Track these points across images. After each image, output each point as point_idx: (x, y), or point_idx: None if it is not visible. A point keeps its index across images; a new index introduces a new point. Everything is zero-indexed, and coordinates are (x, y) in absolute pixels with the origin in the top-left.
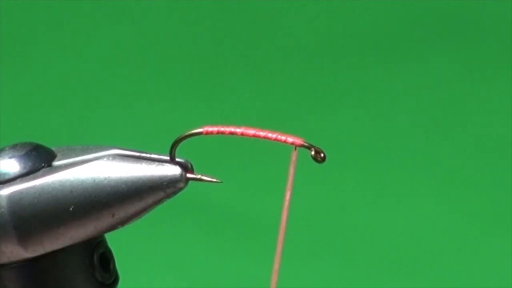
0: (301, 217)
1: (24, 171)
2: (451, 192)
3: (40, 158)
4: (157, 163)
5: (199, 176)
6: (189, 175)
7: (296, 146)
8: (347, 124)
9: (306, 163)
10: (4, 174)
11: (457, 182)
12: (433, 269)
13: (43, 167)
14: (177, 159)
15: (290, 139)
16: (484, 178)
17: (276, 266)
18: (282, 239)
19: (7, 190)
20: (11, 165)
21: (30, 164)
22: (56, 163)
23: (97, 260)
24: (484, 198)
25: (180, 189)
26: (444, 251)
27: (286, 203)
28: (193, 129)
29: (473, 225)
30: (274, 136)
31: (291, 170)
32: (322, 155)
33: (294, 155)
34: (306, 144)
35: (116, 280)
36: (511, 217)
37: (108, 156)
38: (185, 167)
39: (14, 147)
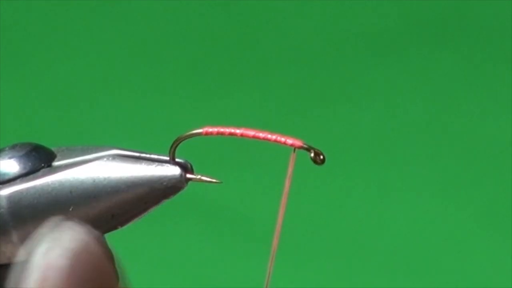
0: (301, 217)
1: (24, 171)
2: (451, 191)
3: (40, 158)
4: (156, 163)
5: (198, 177)
6: (188, 176)
7: (296, 148)
8: (347, 124)
9: (306, 163)
10: (4, 174)
11: (457, 181)
12: (434, 269)
13: (43, 167)
14: (176, 160)
15: (289, 141)
16: (484, 178)
17: (270, 267)
18: (277, 240)
19: (7, 191)
20: (11, 165)
21: (30, 164)
22: (56, 163)
23: None
24: (485, 197)
25: (180, 189)
26: (445, 251)
27: (283, 205)
28: (192, 130)
29: (474, 225)
30: (273, 137)
31: (289, 172)
32: (321, 157)
33: (292, 157)
34: (305, 146)
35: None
36: (511, 217)
37: (108, 156)
38: (185, 168)
39: (13, 147)
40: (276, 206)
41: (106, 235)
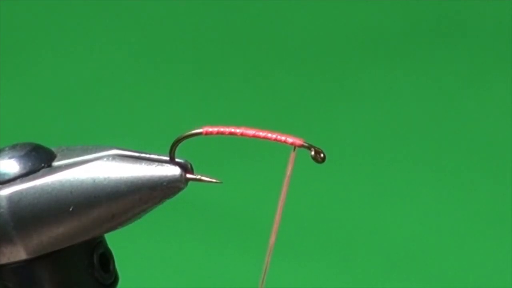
0: (301, 216)
1: (24, 171)
2: (451, 191)
3: (40, 158)
4: (156, 163)
5: (198, 177)
6: (188, 176)
7: (296, 146)
8: (348, 122)
9: (306, 162)
10: (4, 174)
11: (457, 181)
12: (433, 269)
13: (43, 167)
14: (176, 160)
15: (290, 139)
16: (484, 178)
17: (266, 266)
18: (274, 239)
19: (7, 191)
20: (11, 165)
21: (30, 164)
22: (56, 163)
23: (97, 261)
24: (484, 198)
25: (180, 189)
26: (445, 251)
27: (281, 204)
28: (192, 130)
29: (473, 225)
30: (274, 136)
31: (289, 170)
32: (322, 155)
33: (292, 156)
34: (306, 145)
35: (115, 280)
36: (511, 217)
37: (107, 156)
38: (185, 168)
39: (14, 147)
40: (276, 206)
41: (106, 235)
